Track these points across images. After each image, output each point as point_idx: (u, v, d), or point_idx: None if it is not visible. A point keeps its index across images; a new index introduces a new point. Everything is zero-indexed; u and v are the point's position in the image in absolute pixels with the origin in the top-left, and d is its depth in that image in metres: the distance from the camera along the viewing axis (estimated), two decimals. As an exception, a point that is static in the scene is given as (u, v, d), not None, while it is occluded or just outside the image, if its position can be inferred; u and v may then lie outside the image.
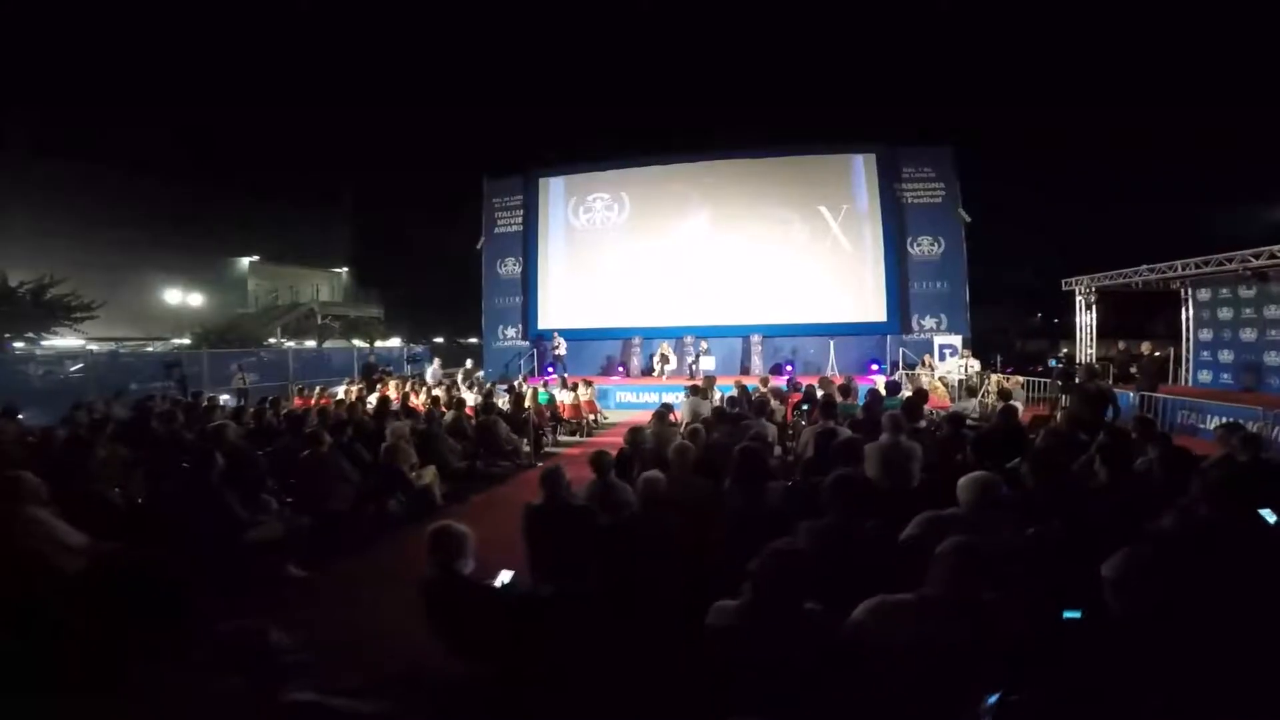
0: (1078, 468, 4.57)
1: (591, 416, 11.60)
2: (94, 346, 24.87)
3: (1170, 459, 4.39)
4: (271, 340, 25.78)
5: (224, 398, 15.75)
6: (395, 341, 30.01)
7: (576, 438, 10.99)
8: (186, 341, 21.17)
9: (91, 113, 24.98)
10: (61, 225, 21.83)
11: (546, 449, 9.68)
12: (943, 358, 15.29)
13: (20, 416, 8.91)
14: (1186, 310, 12.25)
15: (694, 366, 15.89)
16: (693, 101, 40.61)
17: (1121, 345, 13.83)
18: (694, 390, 8.82)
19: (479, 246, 20.16)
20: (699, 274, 17.63)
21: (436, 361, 15.55)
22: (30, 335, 16.48)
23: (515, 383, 12.87)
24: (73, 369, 18.92)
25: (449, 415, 8.21)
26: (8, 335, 16.00)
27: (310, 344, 26.86)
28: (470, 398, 10.71)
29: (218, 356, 16.43)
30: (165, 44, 29.81)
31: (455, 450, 7.01)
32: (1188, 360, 12.25)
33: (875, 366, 15.71)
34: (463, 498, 6.73)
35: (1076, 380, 6.90)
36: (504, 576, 2.50)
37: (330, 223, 32.38)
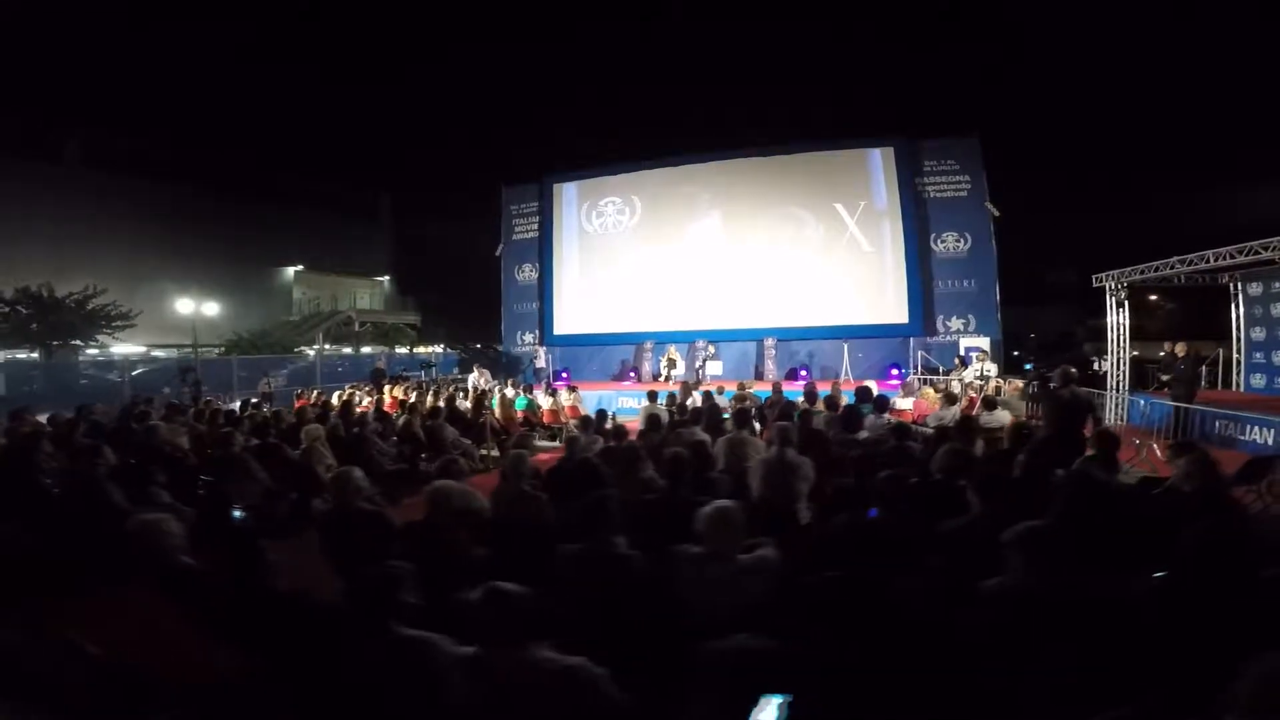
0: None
1: (574, 422, 11.50)
2: (160, 353, 27.16)
3: (1075, 488, 3.80)
4: (313, 347, 27.30)
5: (252, 400, 16.85)
6: (438, 348, 31.20)
7: (556, 443, 10.94)
8: (222, 348, 22.68)
9: (143, 128, 27.37)
10: (117, 238, 23.97)
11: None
12: (968, 361, 14.39)
13: (45, 417, 9.79)
14: (1236, 307, 10.97)
15: (700, 371, 15.60)
16: (702, 100, 40.19)
17: (1168, 347, 12.59)
18: (651, 396, 8.66)
19: (498, 253, 20.60)
20: (711, 276, 17.33)
21: (478, 371, 15.39)
22: (77, 342, 18.09)
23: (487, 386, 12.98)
24: (133, 373, 20.74)
25: (401, 419, 8.37)
26: (56, 343, 17.60)
27: (342, 350, 28.26)
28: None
29: (247, 362, 17.54)
30: (215, 68, 32.45)
31: (387, 453, 7.10)
32: (1239, 363, 10.97)
33: (896, 371, 14.93)
34: (394, 499, 6.81)
35: (1052, 386, 6.24)
36: None
37: (371, 233, 34.07)
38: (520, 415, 11.00)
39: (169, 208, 25.64)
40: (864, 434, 5.80)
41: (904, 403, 9.23)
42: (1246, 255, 8.26)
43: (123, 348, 23.86)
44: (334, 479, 3.45)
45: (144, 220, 24.76)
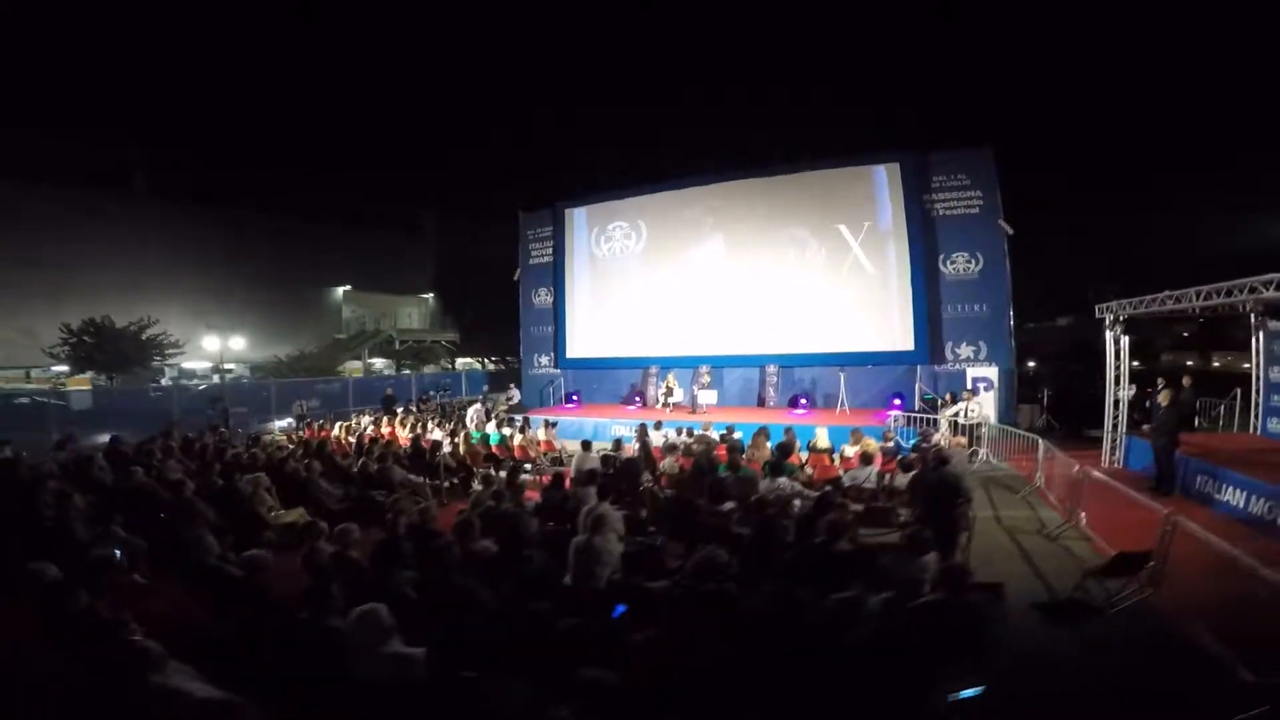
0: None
1: (547, 455, 11.99)
2: (233, 364, 30.11)
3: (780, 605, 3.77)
4: (356, 363, 29.50)
5: (285, 421, 18.48)
6: (477, 364, 32.90)
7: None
8: (261, 372, 24.89)
9: (202, 160, 30.57)
10: (182, 263, 26.91)
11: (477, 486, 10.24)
12: (976, 392, 13.77)
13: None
14: (1256, 342, 9.99)
15: (695, 400, 15.73)
16: (707, 120, 40.22)
17: (1186, 382, 11.69)
18: (585, 445, 8.99)
19: (515, 277, 21.48)
20: (714, 302, 17.40)
21: (475, 406, 15.27)
22: (137, 368, 20.45)
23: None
24: (200, 387, 23.24)
25: (359, 461, 9.17)
26: (118, 371, 20.02)
27: (389, 368, 30.21)
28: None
29: (284, 386, 19.30)
30: (268, 100, 35.98)
31: (332, 494, 7.89)
32: (1258, 405, 9.98)
33: (898, 401, 14.52)
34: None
35: (932, 465, 6.01)
36: None
37: (417, 252, 36.28)
38: (493, 450, 11.58)
39: (228, 233, 28.55)
40: (729, 505, 5.92)
41: (851, 450, 9.08)
42: (1222, 298, 7.61)
43: (193, 363, 26.68)
44: (188, 540, 4.16)
45: (206, 244, 27.74)
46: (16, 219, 22.41)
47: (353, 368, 30.50)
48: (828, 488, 7.60)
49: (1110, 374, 10.32)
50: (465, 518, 5.33)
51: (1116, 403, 10.21)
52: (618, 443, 9.58)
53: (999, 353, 14.40)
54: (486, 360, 32.39)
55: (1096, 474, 6.44)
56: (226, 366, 30.62)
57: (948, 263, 14.95)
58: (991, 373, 13.74)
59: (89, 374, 21.16)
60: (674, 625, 3.28)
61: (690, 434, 10.01)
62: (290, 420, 18.40)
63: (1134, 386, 13.97)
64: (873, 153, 15.89)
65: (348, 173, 39.47)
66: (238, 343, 19.90)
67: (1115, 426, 10.19)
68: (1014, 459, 10.29)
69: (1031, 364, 30.48)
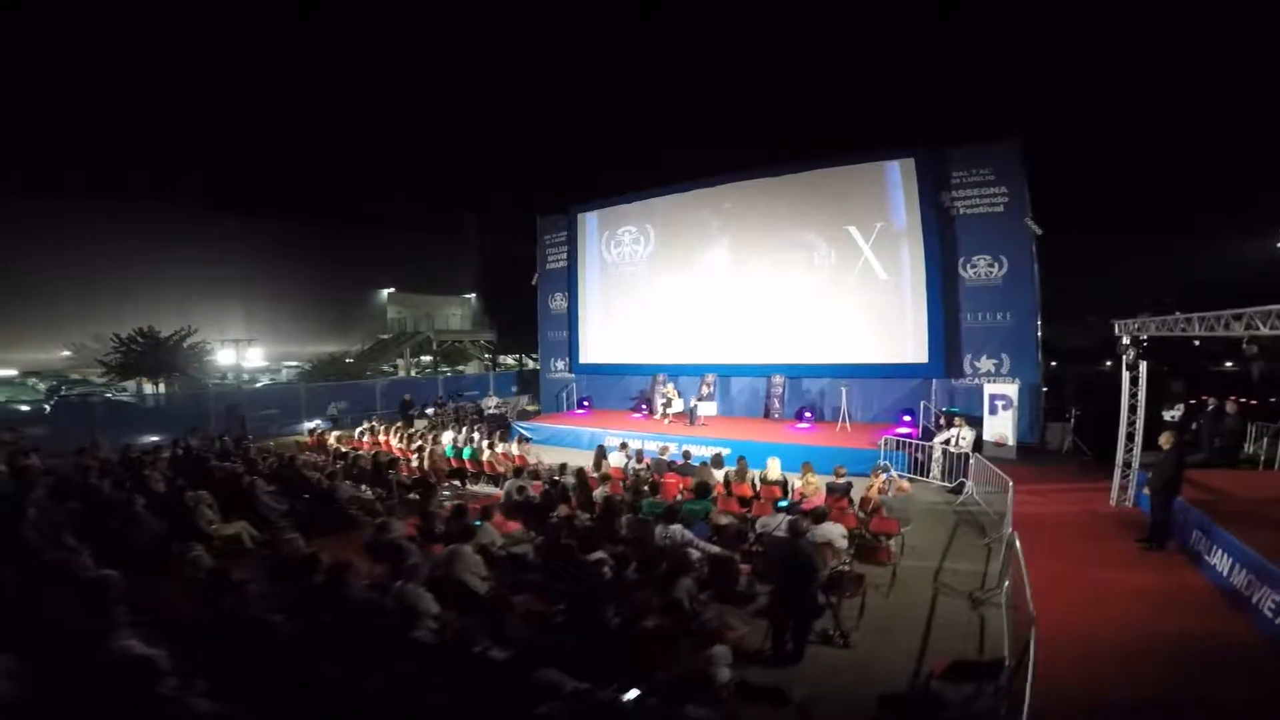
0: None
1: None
2: (292, 362, 32.31)
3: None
4: (398, 363, 31.01)
5: (314, 423, 19.59)
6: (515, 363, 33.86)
7: (495, 488, 11.58)
8: (299, 374, 26.50)
9: (252, 169, 32.92)
10: (234, 271, 29.15)
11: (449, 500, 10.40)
12: (994, 411, 12.68)
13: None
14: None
15: (693, 411, 15.37)
16: (711, 118, 38.91)
17: (1232, 408, 10.29)
18: (517, 472, 8.95)
19: (533, 283, 21.72)
20: (721, 308, 16.92)
21: (450, 433, 14.31)
22: (177, 374, 22.28)
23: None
24: (255, 385, 24.95)
25: (316, 478, 9.58)
26: (162, 376, 21.89)
27: (443, 368, 31.59)
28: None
29: (315, 390, 20.55)
30: (311, 112, 38.38)
31: (274, 508, 8.34)
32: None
33: (908, 417, 13.60)
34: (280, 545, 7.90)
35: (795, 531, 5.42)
36: None
37: (458, 253, 37.61)
38: (465, 464, 11.77)
39: (278, 241, 30.70)
40: (597, 555, 5.72)
41: (798, 482, 8.56)
42: (1222, 327, 6.52)
43: (253, 363, 28.83)
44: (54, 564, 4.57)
45: (257, 252, 29.99)
46: (81, 232, 24.93)
47: (399, 366, 32.04)
48: (743, 527, 7.26)
49: (1125, 402, 9.15)
50: (311, 551, 5.46)
51: (1130, 435, 9.04)
52: (562, 466, 9.47)
53: (1024, 366, 13.15)
54: (526, 358, 33.06)
55: (1018, 543, 5.70)
56: (290, 363, 33.05)
57: (968, 266, 13.78)
58: (1011, 389, 12.55)
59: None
60: (403, 680, 3.27)
61: (640, 458, 9.76)
62: (319, 422, 19.47)
63: (1180, 407, 12.52)
64: (885, 148, 14.82)
65: (392, 175, 41.90)
66: (255, 353, 21.28)
67: (1128, 463, 9.05)
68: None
69: (1108, 364, 27.77)
